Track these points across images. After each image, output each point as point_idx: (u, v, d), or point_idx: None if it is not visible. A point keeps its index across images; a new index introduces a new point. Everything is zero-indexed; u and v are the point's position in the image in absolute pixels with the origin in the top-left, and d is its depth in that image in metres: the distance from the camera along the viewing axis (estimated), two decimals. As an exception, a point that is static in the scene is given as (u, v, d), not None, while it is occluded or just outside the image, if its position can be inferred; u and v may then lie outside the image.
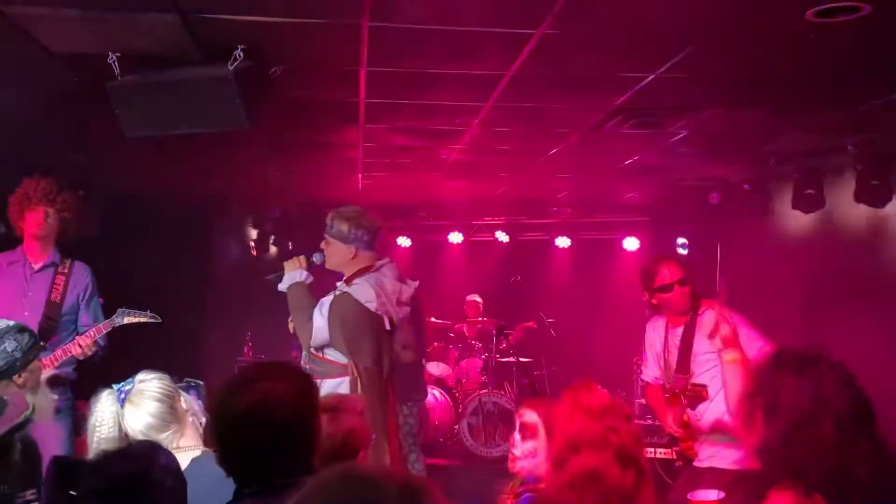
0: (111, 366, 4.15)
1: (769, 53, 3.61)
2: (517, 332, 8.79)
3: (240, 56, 3.31)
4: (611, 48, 3.53)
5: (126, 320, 4.41)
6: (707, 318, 4.01)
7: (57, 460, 1.81)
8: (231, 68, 3.31)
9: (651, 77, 3.95)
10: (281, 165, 6.75)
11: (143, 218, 7.51)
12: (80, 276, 4.59)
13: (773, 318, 4.08)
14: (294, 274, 4.26)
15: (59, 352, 4.30)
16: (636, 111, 4.65)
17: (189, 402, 2.78)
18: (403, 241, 10.35)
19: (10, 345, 2.85)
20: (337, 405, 2.71)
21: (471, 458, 7.98)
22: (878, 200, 5.55)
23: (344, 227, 4.18)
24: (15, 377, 2.88)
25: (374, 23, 3.20)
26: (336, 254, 4.23)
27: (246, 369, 2.00)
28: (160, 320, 4.46)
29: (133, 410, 2.64)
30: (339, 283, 4.24)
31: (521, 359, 8.35)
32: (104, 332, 4.39)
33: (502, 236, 10.17)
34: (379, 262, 4.27)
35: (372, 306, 4.10)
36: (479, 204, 9.57)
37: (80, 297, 4.56)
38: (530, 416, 2.90)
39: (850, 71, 3.84)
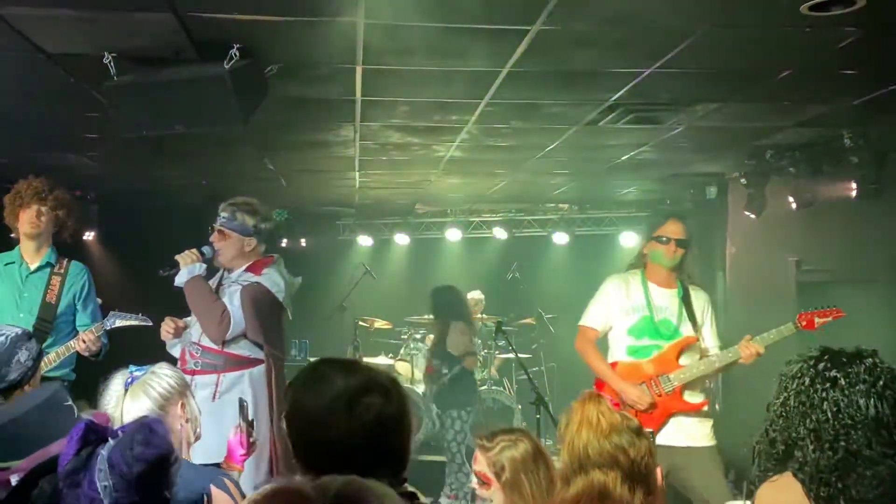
0: (109, 366, 4.15)
1: (764, 47, 3.61)
2: None
3: (235, 55, 3.31)
4: (606, 44, 3.53)
5: (118, 323, 4.35)
6: (700, 295, 4.22)
7: (89, 424, 1.75)
8: (227, 67, 3.31)
9: (647, 72, 3.95)
10: (277, 164, 6.74)
11: (139, 216, 7.53)
12: (77, 277, 4.51)
13: (772, 313, 4.10)
14: (193, 267, 4.13)
15: (61, 349, 4.26)
16: (633, 106, 4.65)
17: (192, 410, 2.77)
18: (401, 239, 10.35)
19: (22, 355, 2.82)
20: None
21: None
22: (874, 194, 5.56)
23: (249, 221, 4.17)
24: (26, 386, 2.87)
25: (369, 20, 3.20)
26: (234, 246, 4.18)
27: (337, 378, 1.85)
28: (150, 323, 4.42)
29: (130, 400, 2.65)
30: (237, 273, 4.19)
31: (520, 355, 8.34)
32: (97, 334, 4.31)
33: (500, 233, 10.17)
34: (276, 256, 4.33)
35: (281, 297, 4.13)
36: (477, 200, 9.57)
37: (77, 298, 4.48)
38: (480, 465, 2.83)
39: (844, 64, 3.85)
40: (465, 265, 10.59)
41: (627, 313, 4.19)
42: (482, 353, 8.69)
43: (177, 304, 4.67)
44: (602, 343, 4.34)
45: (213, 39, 3.29)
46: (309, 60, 3.78)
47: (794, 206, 6.45)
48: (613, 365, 4.20)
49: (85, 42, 3.38)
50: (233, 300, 4.05)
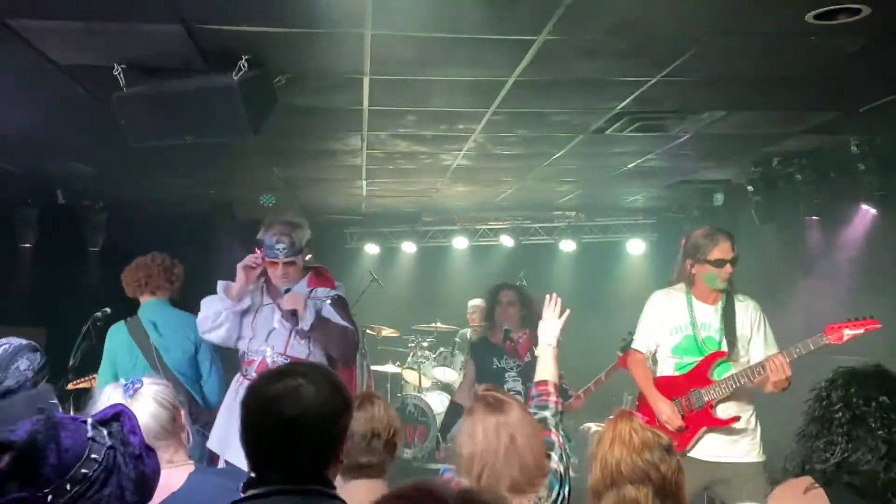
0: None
1: (770, 55, 3.62)
2: None
3: (244, 66, 3.34)
4: (612, 52, 3.54)
5: None
6: (748, 305, 4.06)
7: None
8: (236, 78, 3.33)
9: (653, 80, 3.96)
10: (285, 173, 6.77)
11: (147, 225, 7.55)
12: None
13: (780, 321, 4.06)
14: (310, 307, 4.05)
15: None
16: (639, 114, 4.66)
17: (187, 420, 2.78)
18: (408, 247, 10.36)
19: (22, 363, 2.84)
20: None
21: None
22: (881, 201, 5.55)
23: (304, 237, 4.08)
24: None
25: (376, 31, 3.22)
26: (299, 270, 4.11)
27: (275, 370, 2.01)
28: None
29: (139, 407, 2.64)
30: (301, 289, 4.12)
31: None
32: None
33: (507, 240, 10.17)
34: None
35: None
36: (483, 208, 9.58)
37: None
38: None
39: (850, 72, 3.85)
40: (472, 273, 10.57)
41: (672, 333, 4.12)
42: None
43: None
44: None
45: (222, 50, 3.32)
46: (317, 71, 3.81)
47: (800, 212, 6.45)
48: (656, 381, 4.20)
49: (95, 53, 3.41)
50: (332, 316, 4.10)
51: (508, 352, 5.47)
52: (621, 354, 4.83)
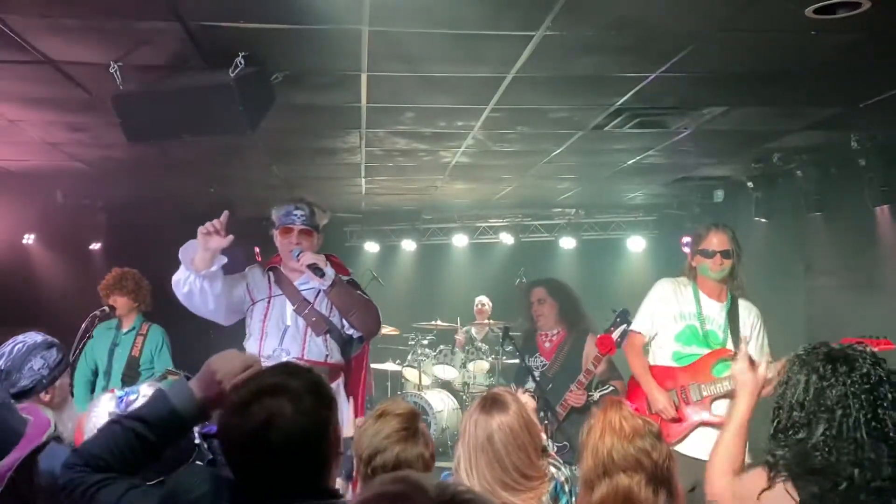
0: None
1: (770, 51, 3.61)
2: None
3: (241, 63, 3.33)
4: (611, 48, 3.53)
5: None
6: (751, 310, 4.07)
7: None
8: (233, 75, 3.32)
9: (652, 76, 3.95)
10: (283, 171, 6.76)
11: (146, 224, 7.55)
12: (153, 337, 5.42)
13: (780, 319, 4.06)
14: (329, 269, 3.85)
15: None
16: (638, 111, 4.65)
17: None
18: (408, 245, 10.35)
19: (36, 363, 2.79)
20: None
21: None
22: (882, 197, 5.53)
23: (322, 218, 3.91)
24: (42, 395, 2.84)
25: (373, 27, 3.21)
26: (314, 246, 3.90)
27: (250, 381, 1.82)
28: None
29: None
30: (333, 272, 3.86)
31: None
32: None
33: (507, 238, 10.16)
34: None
35: None
36: (483, 206, 9.57)
37: (153, 352, 5.40)
38: None
39: (851, 67, 3.84)
40: (473, 271, 10.58)
41: (676, 320, 4.11)
42: (489, 358, 8.69)
43: (183, 314, 4.69)
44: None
45: (219, 48, 3.31)
46: (314, 68, 3.79)
47: (802, 208, 6.43)
48: (652, 369, 4.17)
49: (91, 51, 3.40)
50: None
51: (540, 350, 5.16)
52: (600, 334, 4.50)
